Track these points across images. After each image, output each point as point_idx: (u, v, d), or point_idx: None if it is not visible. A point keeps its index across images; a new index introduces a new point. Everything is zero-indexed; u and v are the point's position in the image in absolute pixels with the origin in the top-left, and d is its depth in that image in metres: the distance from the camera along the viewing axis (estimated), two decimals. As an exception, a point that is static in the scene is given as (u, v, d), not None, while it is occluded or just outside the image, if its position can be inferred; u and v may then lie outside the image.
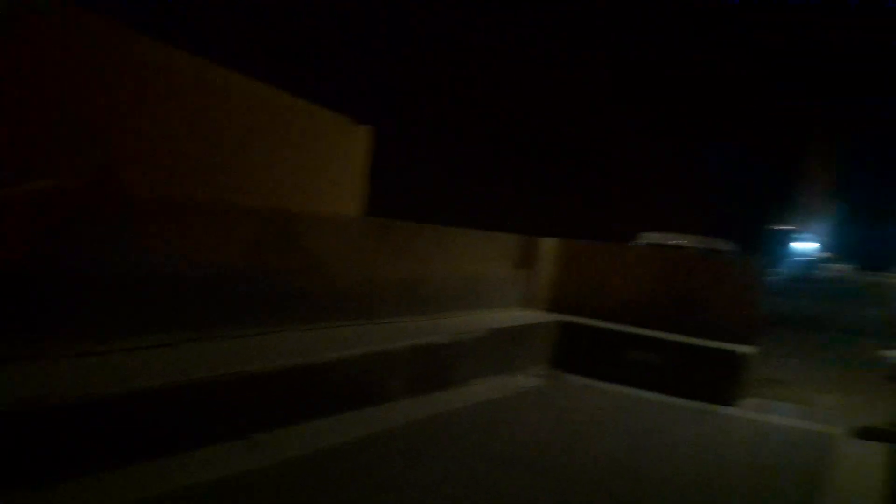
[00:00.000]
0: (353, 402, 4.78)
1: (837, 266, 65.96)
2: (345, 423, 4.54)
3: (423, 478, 3.87)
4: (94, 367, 3.56)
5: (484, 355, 6.27)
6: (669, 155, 28.26)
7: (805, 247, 52.23)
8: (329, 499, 3.47)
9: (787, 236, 42.53)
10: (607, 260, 8.37)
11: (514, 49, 28.40)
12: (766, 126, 38.33)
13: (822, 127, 66.51)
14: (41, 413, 3.01)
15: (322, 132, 7.15)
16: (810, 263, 44.85)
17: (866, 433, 5.67)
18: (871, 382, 8.01)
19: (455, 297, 6.95)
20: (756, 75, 34.76)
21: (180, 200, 4.68)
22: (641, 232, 17.96)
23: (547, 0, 28.06)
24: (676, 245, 16.28)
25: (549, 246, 8.32)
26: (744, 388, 6.77)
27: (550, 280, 8.28)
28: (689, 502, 3.95)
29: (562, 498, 3.84)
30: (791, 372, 9.56)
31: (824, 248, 68.92)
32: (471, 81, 29.07)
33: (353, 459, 4.02)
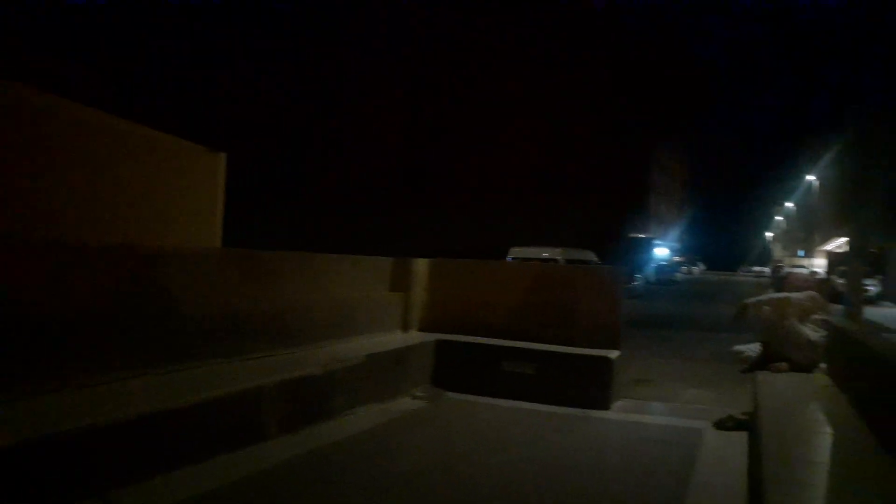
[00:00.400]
0: (223, 446, 4.45)
1: (692, 268, 71.38)
2: (214, 468, 4.22)
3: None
4: None
5: (363, 383, 6.09)
6: (536, 173, 29.47)
7: (663, 253, 56.06)
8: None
9: (646, 244, 45.47)
10: (480, 276, 8.47)
11: (377, 67, 28.63)
12: (622, 140, 41.01)
13: (670, 142, 72.20)
14: None
15: (174, 161, 6.72)
16: (668, 268, 48.20)
17: (726, 424, 6.03)
18: (728, 375, 8.59)
19: (329, 326, 6.72)
20: (613, 97, 37.15)
21: (15, 240, 4.19)
22: (512, 247, 18.54)
23: (396, 27, 28.50)
24: (544, 258, 16.96)
25: (422, 266, 8.28)
26: (615, 391, 7.02)
27: (426, 300, 8.24)
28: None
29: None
30: (656, 371, 10.10)
31: (679, 252, 74.51)
32: (332, 103, 28.90)
33: (219, 509, 3.72)
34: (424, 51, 28.60)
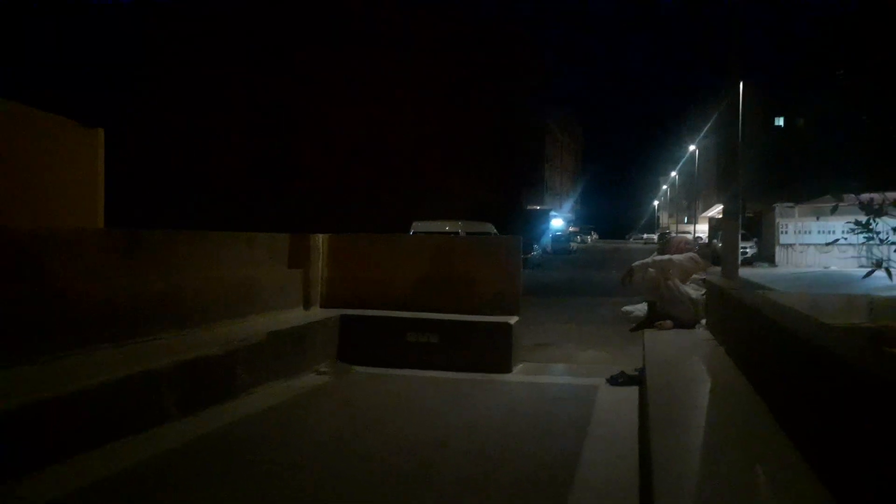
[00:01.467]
0: (119, 431, 4.27)
1: (586, 238, 74.25)
2: (109, 454, 4.05)
3: (196, 501, 3.57)
4: None
5: (264, 360, 5.99)
6: (434, 147, 29.54)
7: (558, 223, 57.91)
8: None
9: (542, 215, 46.85)
10: (382, 250, 8.46)
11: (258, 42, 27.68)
12: (518, 115, 41.80)
13: (563, 116, 74.25)
14: None
15: (47, 138, 6.25)
16: (563, 238, 49.91)
17: (618, 380, 6.39)
18: (620, 336, 9.07)
19: (227, 305, 6.53)
20: (505, 71, 37.62)
21: None
22: (414, 221, 18.59)
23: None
24: (446, 231, 17.14)
25: (322, 242, 8.17)
26: (516, 355, 7.27)
27: (328, 276, 8.15)
28: (476, 466, 4.10)
29: (350, 487, 3.78)
30: (555, 335, 10.54)
31: (574, 222, 77.26)
32: (221, 78, 27.74)
33: (111, 495, 3.58)
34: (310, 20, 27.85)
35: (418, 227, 17.96)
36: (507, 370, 7.01)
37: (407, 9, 27.56)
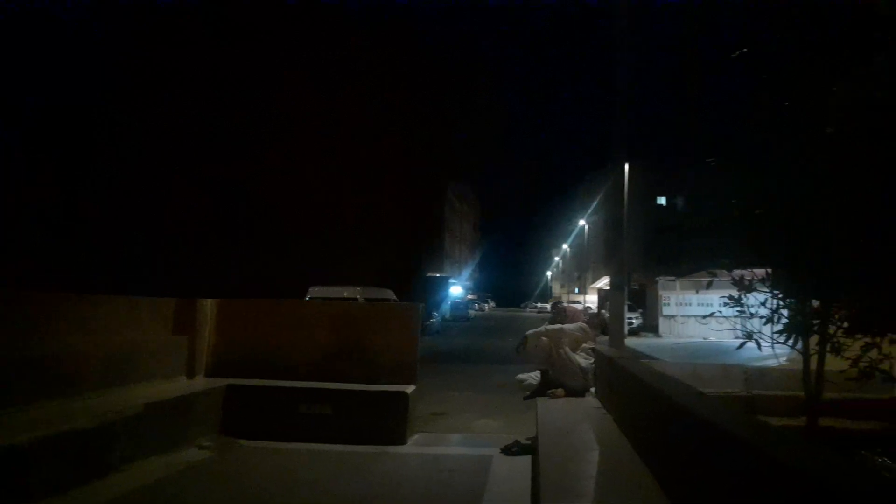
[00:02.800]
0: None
1: (483, 305, 75.34)
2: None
3: None
4: None
5: (141, 434, 5.55)
6: (334, 214, 29.43)
7: (457, 291, 58.57)
8: None
9: (441, 282, 47.26)
10: (275, 317, 8.19)
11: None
12: (418, 185, 42.62)
13: (461, 188, 76.41)
14: None
15: None
16: (462, 305, 50.43)
17: (512, 449, 6.40)
18: (515, 404, 9.13)
19: (103, 373, 6.05)
20: (406, 144, 38.48)
21: None
22: (311, 287, 18.22)
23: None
24: (344, 297, 16.90)
25: (210, 307, 7.82)
26: (411, 425, 7.14)
27: (216, 343, 7.77)
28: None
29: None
30: (451, 404, 10.47)
31: (472, 290, 78.39)
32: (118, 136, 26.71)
33: None
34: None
35: (315, 292, 17.59)
36: (402, 441, 6.86)
37: (308, 81, 27.83)
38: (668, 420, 3.12)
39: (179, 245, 25.94)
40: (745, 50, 4.39)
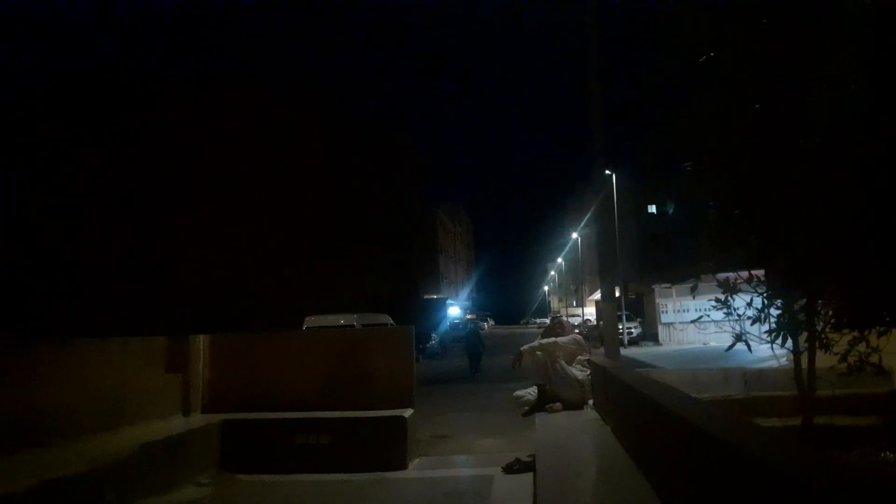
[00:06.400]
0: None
1: (482, 324, 75.12)
2: None
3: None
4: None
5: (136, 476, 5.48)
6: (329, 241, 29.43)
7: (455, 311, 58.47)
8: None
9: (439, 304, 47.19)
10: (269, 349, 8.14)
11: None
12: (406, 207, 42.73)
13: (455, 208, 76.65)
14: None
15: None
16: (460, 326, 50.29)
17: (513, 467, 6.35)
18: (516, 421, 9.07)
19: (96, 416, 5.99)
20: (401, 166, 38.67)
21: None
22: (307, 317, 18.16)
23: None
24: (341, 325, 16.84)
25: (203, 343, 7.78)
26: (411, 450, 7.08)
27: (210, 379, 7.71)
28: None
29: None
30: (452, 425, 10.40)
31: (470, 310, 78.26)
32: (102, 167, 26.75)
33: None
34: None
35: (312, 321, 17.53)
36: (403, 466, 6.80)
37: (296, 105, 27.99)
38: (659, 427, 3.10)
39: (170, 280, 25.86)
40: (712, 54, 4.44)
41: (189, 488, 6.14)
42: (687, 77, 4.97)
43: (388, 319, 19.65)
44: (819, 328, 4.20)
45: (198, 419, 7.24)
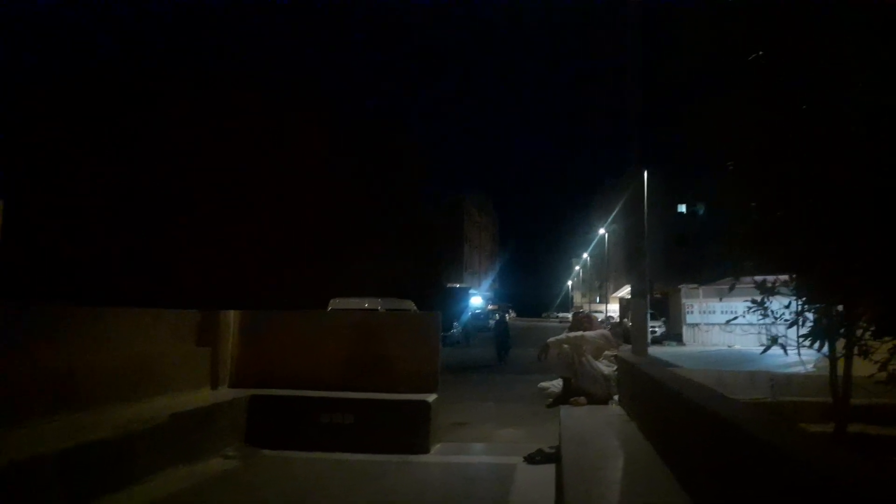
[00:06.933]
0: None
1: (503, 315, 74.92)
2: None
3: None
4: None
5: (165, 444, 5.60)
6: (354, 226, 29.58)
7: (477, 301, 58.46)
8: None
9: (462, 293, 47.23)
10: (297, 328, 8.24)
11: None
12: (433, 194, 42.74)
13: (480, 198, 76.49)
14: None
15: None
16: (482, 316, 50.28)
17: (535, 458, 6.35)
18: (537, 413, 9.09)
19: (127, 385, 6.12)
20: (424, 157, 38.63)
21: None
22: (332, 299, 18.32)
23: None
24: (365, 308, 16.96)
25: (233, 319, 7.89)
26: (434, 434, 7.12)
27: (239, 354, 7.83)
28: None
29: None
30: (473, 413, 10.44)
31: (492, 301, 78.15)
32: (134, 152, 27.18)
33: None
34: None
35: (337, 304, 17.68)
36: (425, 450, 6.85)
37: (322, 88, 28.10)
38: (690, 423, 3.08)
39: (205, 259, 26.27)
40: (760, 53, 4.35)
41: (216, 460, 6.26)
42: (727, 75, 4.89)
43: (412, 305, 19.73)
44: (858, 334, 4.12)
45: (225, 393, 7.37)
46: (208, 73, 27.82)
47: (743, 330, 24.13)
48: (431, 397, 7.25)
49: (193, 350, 7.34)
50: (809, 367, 8.79)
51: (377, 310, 16.91)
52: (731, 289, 5.05)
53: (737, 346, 25.39)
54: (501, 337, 23.62)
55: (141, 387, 6.31)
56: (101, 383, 5.81)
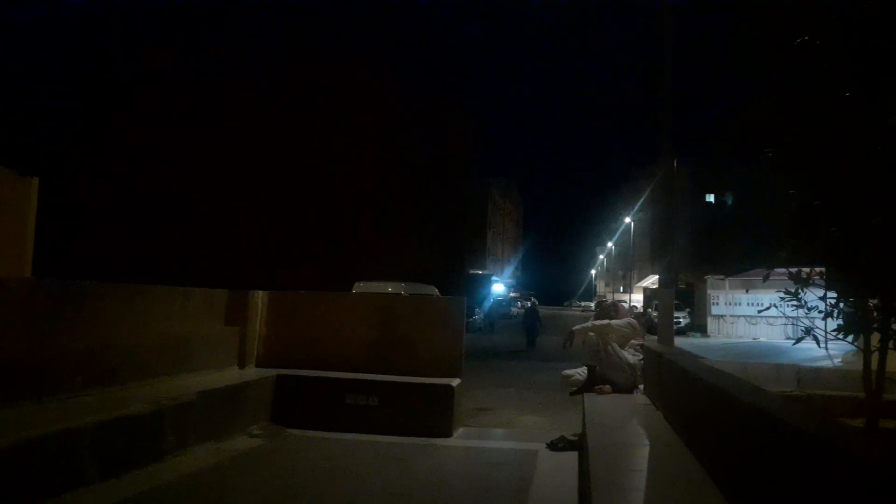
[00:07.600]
0: (26, 497, 3.94)
1: (526, 303, 74.85)
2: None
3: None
4: None
5: (194, 421, 5.71)
6: (379, 211, 29.66)
7: (499, 289, 58.36)
8: None
9: (484, 280, 47.16)
10: (323, 309, 8.31)
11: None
12: (458, 181, 42.64)
13: (504, 186, 76.20)
14: None
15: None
16: (505, 303, 50.23)
17: (558, 445, 6.36)
18: (559, 400, 9.09)
19: (157, 362, 6.24)
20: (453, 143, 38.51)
21: None
22: (356, 282, 18.43)
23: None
24: (388, 292, 17.03)
25: (261, 299, 7.98)
26: (457, 419, 7.16)
27: (266, 334, 7.93)
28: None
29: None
30: (495, 399, 10.47)
31: (515, 288, 78.00)
32: (166, 135, 27.47)
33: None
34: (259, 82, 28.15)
35: (361, 287, 17.77)
36: (448, 434, 6.89)
37: (349, 76, 28.02)
38: (725, 415, 3.06)
39: (235, 241, 26.61)
40: (805, 38, 4.26)
41: (242, 438, 6.37)
42: (768, 63, 4.79)
43: (435, 290, 19.76)
44: (895, 328, 4.04)
45: (253, 372, 7.47)
46: (256, 56, 27.96)
47: (768, 322, 23.82)
48: (455, 382, 7.28)
49: (222, 329, 7.44)
50: (837, 361, 8.65)
51: (400, 294, 16.98)
52: (766, 279, 4.99)
53: (762, 339, 25.07)
54: (531, 325, 24.03)
55: (171, 365, 6.42)
56: (132, 360, 5.93)
